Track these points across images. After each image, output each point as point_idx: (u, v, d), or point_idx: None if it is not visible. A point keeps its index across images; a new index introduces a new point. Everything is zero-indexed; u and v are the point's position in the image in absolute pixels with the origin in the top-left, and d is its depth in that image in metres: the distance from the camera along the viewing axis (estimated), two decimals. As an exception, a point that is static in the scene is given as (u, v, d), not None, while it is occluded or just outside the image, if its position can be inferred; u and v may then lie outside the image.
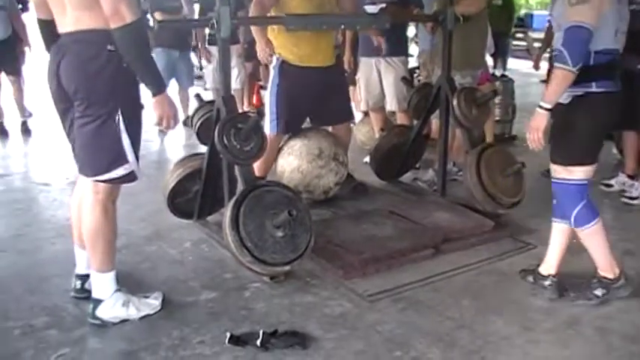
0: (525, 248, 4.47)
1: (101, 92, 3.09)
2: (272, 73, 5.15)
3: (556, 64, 3.28)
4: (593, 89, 3.38)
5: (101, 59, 3.07)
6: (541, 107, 3.34)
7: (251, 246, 3.56)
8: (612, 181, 5.77)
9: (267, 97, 5.28)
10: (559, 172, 3.54)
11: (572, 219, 3.57)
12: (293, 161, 5.09)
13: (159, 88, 3.22)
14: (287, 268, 3.71)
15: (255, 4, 4.84)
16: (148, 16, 7.75)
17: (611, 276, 3.68)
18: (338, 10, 5.14)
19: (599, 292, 3.66)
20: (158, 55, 7.55)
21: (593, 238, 3.62)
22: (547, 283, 3.77)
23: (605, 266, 3.68)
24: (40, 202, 5.58)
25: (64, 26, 3.13)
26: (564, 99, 3.41)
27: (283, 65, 5.04)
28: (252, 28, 5.05)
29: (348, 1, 5.23)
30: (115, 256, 3.39)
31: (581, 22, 3.19)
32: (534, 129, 3.37)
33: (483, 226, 4.65)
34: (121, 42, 3.01)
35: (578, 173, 3.50)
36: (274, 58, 5.08)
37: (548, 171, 6.12)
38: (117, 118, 3.13)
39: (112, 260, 3.37)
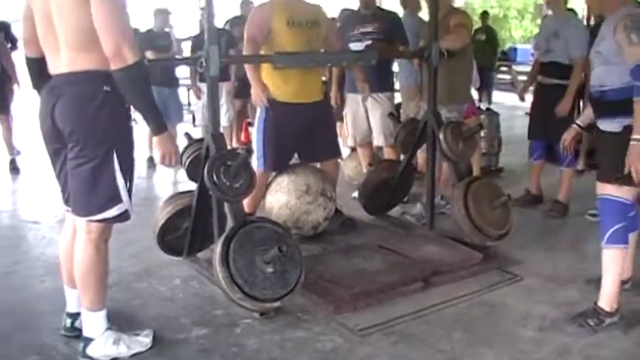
0: (513, 280, 4.50)
1: (97, 134, 3.11)
2: (259, 110, 5.19)
3: (637, 99, 3.37)
4: None
5: (97, 100, 3.10)
6: (636, 140, 3.43)
7: (241, 282, 3.57)
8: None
9: (254, 134, 5.33)
10: (608, 188, 3.70)
11: (607, 235, 3.71)
12: (281, 198, 5.12)
13: (161, 127, 3.27)
14: (277, 304, 3.72)
15: (248, 42, 4.92)
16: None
17: (607, 309, 3.74)
18: (325, 47, 5.22)
19: (592, 322, 3.73)
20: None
21: (615, 260, 3.73)
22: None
23: (608, 297, 3.75)
24: (30, 240, 5.58)
25: (57, 67, 3.16)
26: (616, 128, 3.62)
27: (270, 104, 5.09)
28: (248, 72, 5.05)
29: (335, 38, 5.32)
30: (106, 294, 3.40)
31: None
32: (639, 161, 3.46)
33: (472, 258, 4.68)
34: (123, 83, 3.05)
35: (627, 192, 3.68)
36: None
37: (528, 192, 6.26)
38: (112, 158, 3.16)
39: (104, 299, 3.37)
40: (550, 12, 6.52)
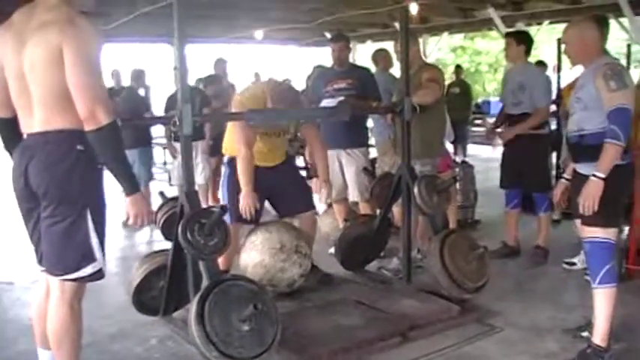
0: (492, 331, 4.49)
1: (71, 192, 3.12)
2: (224, 169, 5.27)
3: (609, 140, 3.67)
4: (620, 162, 3.73)
5: (71, 159, 3.11)
6: (597, 177, 3.66)
7: (217, 341, 3.53)
8: (575, 259, 5.84)
9: (221, 190, 5.34)
10: (596, 232, 3.85)
11: (600, 276, 3.84)
12: (255, 256, 5.07)
13: (133, 188, 3.27)
14: (254, 362, 3.68)
15: (241, 140, 4.93)
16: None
17: (604, 345, 3.86)
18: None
19: None
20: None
21: (608, 299, 3.86)
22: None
23: (603, 334, 3.87)
24: (3, 302, 5.48)
25: (30, 127, 3.17)
26: (589, 172, 3.76)
27: (232, 162, 5.15)
28: (241, 170, 4.89)
29: (310, 131, 5.45)
30: (80, 355, 3.34)
31: (625, 105, 3.69)
32: (592, 196, 3.68)
33: (450, 311, 4.67)
34: (97, 144, 3.08)
35: (613, 233, 3.88)
36: (224, 158, 5.22)
37: (505, 244, 6.31)
38: (86, 217, 3.16)
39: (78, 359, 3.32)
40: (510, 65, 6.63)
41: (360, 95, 6.09)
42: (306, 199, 5.48)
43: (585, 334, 4.17)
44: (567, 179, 4.29)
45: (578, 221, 4.03)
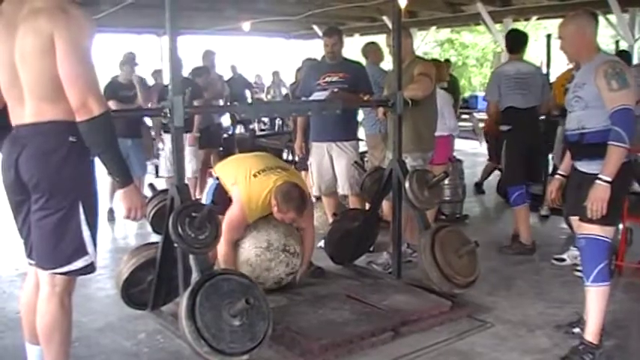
0: (483, 327, 4.48)
1: (63, 184, 3.07)
2: (211, 180, 5.38)
3: (613, 143, 3.63)
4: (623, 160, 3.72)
5: (63, 151, 3.06)
6: (603, 180, 3.63)
7: (208, 336, 3.50)
8: (564, 255, 5.86)
9: (204, 198, 5.30)
10: (594, 229, 3.80)
11: (594, 274, 3.81)
12: (241, 254, 5.03)
13: (126, 180, 3.22)
14: (245, 357, 3.64)
15: (226, 237, 4.75)
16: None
17: (595, 342, 3.85)
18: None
19: (587, 357, 3.81)
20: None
21: (602, 297, 3.84)
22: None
23: (595, 331, 3.86)
24: (-12, 295, 5.43)
25: (21, 118, 3.11)
26: (598, 170, 3.70)
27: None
28: (222, 256, 4.86)
29: (305, 224, 5.32)
30: (69, 350, 3.30)
31: (628, 105, 3.65)
32: (600, 200, 3.64)
33: (441, 306, 4.65)
34: (89, 135, 3.02)
35: (610, 231, 3.86)
36: (213, 180, 5.28)
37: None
38: (78, 209, 3.10)
39: (67, 355, 3.27)
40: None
41: (352, 89, 6.05)
42: None
43: (577, 330, 4.17)
44: (563, 175, 4.28)
45: (574, 218, 4.02)
